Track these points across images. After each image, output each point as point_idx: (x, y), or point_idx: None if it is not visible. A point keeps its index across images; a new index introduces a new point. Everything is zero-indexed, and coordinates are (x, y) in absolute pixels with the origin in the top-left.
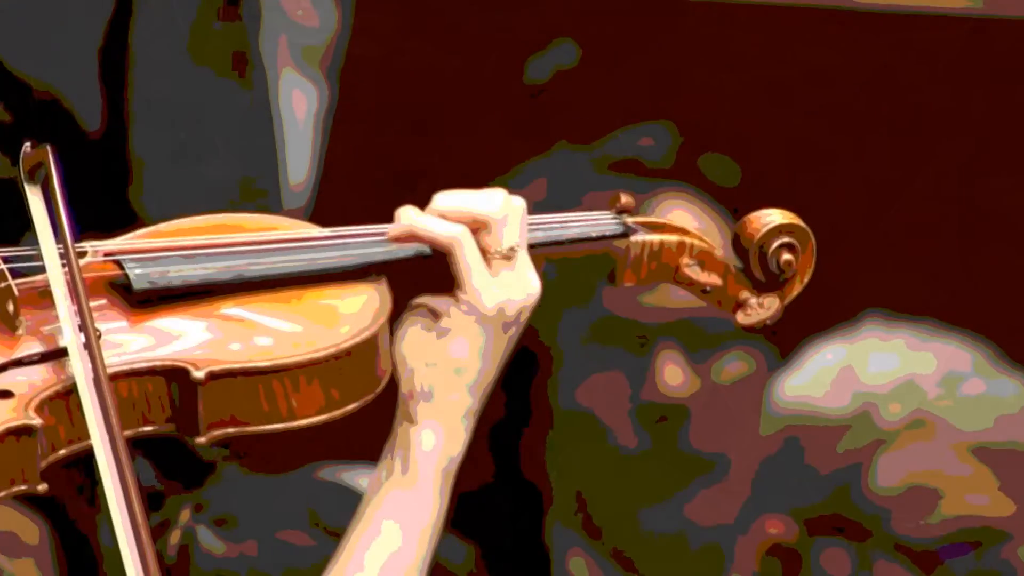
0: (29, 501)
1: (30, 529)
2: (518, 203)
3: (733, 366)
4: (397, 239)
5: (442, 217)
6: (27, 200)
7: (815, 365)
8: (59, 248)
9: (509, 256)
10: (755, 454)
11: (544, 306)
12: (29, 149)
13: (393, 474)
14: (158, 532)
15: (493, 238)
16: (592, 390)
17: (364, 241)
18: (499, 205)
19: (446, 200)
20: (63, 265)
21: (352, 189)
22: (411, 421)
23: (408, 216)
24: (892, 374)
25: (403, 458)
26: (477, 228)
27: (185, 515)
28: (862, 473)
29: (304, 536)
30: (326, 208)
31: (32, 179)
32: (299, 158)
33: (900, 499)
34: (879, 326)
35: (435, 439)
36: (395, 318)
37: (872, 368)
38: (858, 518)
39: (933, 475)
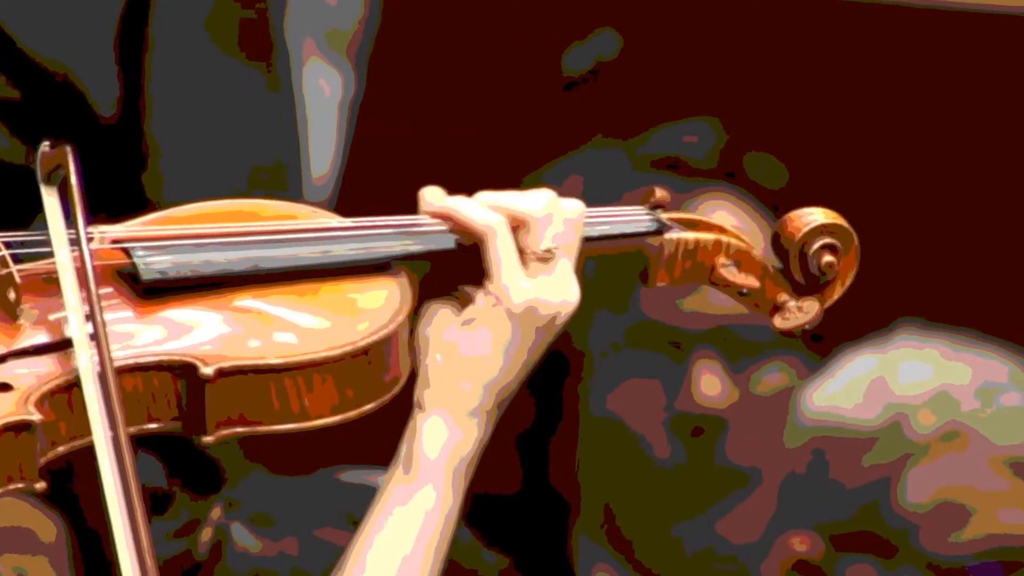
0: (46, 498)
1: (46, 527)
2: (570, 207)
3: (773, 377)
4: (434, 215)
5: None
6: (44, 201)
7: (846, 375)
8: (70, 234)
9: (546, 258)
10: (785, 467)
11: (578, 307)
12: (48, 149)
13: (398, 468)
14: (187, 530)
15: (532, 237)
16: (625, 397)
17: (388, 232)
18: (543, 205)
19: (489, 194)
20: (72, 252)
21: (377, 183)
22: (420, 408)
23: (446, 199)
24: (925, 384)
25: (408, 449)
26: (517, 225)
27: (217, 512)
28: (891, 487)
29: (343, 535)
30: (349, 203)
31: (49, 181)
32: (322, 149)
33: (931, 515)
34: (913, 335)
35: (442, 430)
36: (416, 312)
37: (904, 378)
38: (886, 534)
39: (966, 490)
